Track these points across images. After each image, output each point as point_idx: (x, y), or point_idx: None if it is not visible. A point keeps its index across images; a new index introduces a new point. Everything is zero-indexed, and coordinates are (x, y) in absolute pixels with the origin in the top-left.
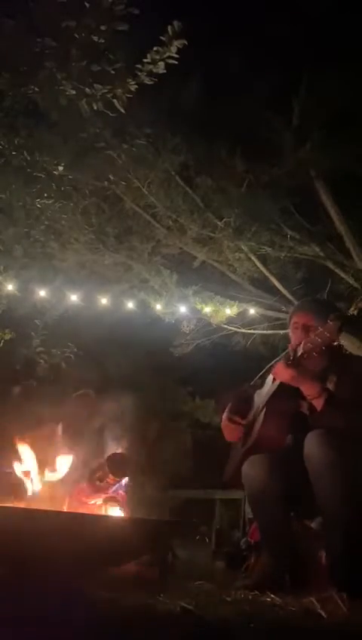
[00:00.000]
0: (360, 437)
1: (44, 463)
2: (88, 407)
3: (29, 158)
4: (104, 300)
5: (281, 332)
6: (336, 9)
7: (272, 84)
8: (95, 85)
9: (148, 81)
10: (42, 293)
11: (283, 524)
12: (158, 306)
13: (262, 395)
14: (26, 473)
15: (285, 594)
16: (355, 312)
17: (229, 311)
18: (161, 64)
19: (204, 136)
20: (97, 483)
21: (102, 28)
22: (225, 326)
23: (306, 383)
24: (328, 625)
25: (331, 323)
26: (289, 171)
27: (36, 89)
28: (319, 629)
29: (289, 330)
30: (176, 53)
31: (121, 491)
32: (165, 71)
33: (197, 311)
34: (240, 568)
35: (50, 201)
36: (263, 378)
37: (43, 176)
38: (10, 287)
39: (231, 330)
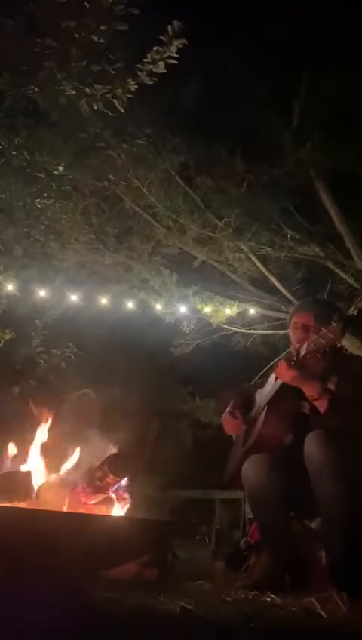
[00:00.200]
0: (360, 437)
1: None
2: (88, 407)
3: (29, 158)
4: (104, 300)
5: (281, 332)
6: (336, 9)
7: (272, 84)
8: (95, 85)
9: (148, 81)
10: (42, 293)
11: (283, 524)
12: (158, 306)
13: (263, 395)
14: (28, 473)
15: (285, 594)
16: (355, 312)
17: (229, 311)
18: (161, 64)
19: (204, 136)
20: (97, 483)
21: (102, 28)
22: (225, 326)
23: (308, 384)
24: (328, 625)
25: (334, 324)
26: (289, 171)
27: (36, 89)
28: (319, 629)
29: (289, 330)
30: (176, 53)
31: (121, 491)
32: (165, 71)
33: (197, 311)
34: (240, 568)
35: (50, 201)
36: (263, 378)
37: (43, 176)
38: (10, 287)
39: (231, 330)
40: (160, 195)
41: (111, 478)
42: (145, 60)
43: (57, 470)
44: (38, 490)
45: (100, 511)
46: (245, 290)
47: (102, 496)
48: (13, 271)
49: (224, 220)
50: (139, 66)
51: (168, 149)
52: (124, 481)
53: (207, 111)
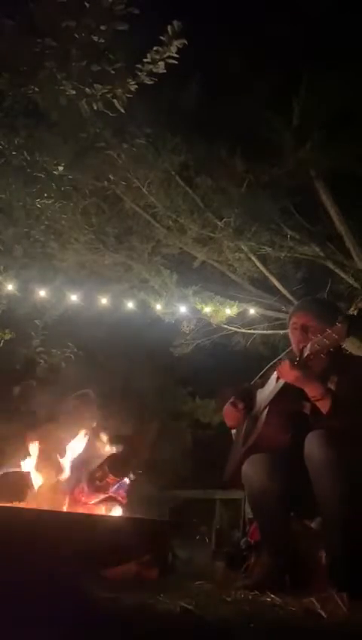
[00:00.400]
0: (361, 437)
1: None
2: (88, 407)
3: (29, 158)
4: (104, 300)
5: (281, 332)
6: (336, 9)
7: (272, 84)
8: (95, 85)
9: (148, 81)
10: (42, 293)
11: (283, 524)
12: (158, 306)
13: (264, 395)
14: (28, 473)
15: (285, 594)
16: (355, 312)
17: (229, 311)
18: (161, 64)
19: (204, 136)
20: (97, 483)
21: (102, 28)
22: (225, 326)
23: (311, 385)
24: (328, 625)
25: (339, 325)
26: (289, 171)
27: (36, 89)
28: (319, 629)
29: (288, 331)
30: (176, 53)
31: (121, 491)
32: (165, 71)
33: (197, 311)
34: (240, 568)
35: (50, 201)
36: (263, 378)
37: (43, 176)
38: (10, 287)
39: (231, 330)
40: (160, 195)
41: (111, 478)
42: (145, 60)
43: (57, 470)
44: (38, 490)
45: (100, 511)
46: (245, 290)
47: (102, 496)
48: (13, 271)
49: (224, 220)
50: (139, 66)
51: (168, 148)
52: (124, 481)
53: (207, 111)
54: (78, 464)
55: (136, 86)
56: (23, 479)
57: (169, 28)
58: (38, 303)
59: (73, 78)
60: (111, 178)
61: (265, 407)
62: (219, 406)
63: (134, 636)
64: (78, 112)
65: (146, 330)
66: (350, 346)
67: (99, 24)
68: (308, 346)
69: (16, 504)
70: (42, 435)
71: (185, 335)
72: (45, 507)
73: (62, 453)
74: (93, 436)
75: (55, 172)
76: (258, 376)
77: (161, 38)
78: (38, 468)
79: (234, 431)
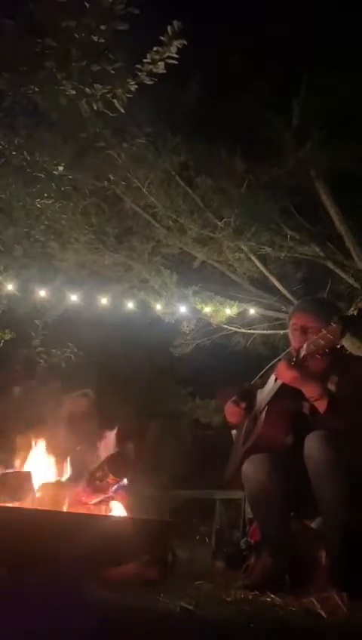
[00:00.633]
0: (360, 437)
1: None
2: (88, 407)
3: (29, 158)
4: (104, 300)
5: (281, 332)
6: (336, 9)
7: (272, 84)
8: (95, 85)
9: (148, 81)
10: (42, 293)
11: (283, 524)
12: (158, 306)
13: (264, 395)
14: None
15: (285, 594)
16: (355, 312)
17: (229, 311)
18: (161, 64)
19: (204, 136)
20: (97, 483)
21: (102, 28)
22: (225, 326)
23: (308, 385)
24: (328, 625)
25: (334, 325)
26: (289, 171)
27: (36, 89)
28: (319, 629)
29: (288, 331)
30: (176, 53)
31: (121, 491)
32: (165, 71)
33: (197, 311)
34: (240, 568)
35: (50, 201)
36: (263, 378)
37: (43, 176)
38: (10, 287)
39: (231, 330)
40: (160, 195)
41: (111, 478)
42: (145, 60)
43: (57, 470)
44: (38, 490)
45: (100, 511)
46: (245, 290)
47: (102, 496)
48: (13, 271)
49: (224, 220)
50: (139, 66)
51: (168, 148)
52: (124, 481)
53: (207, 111)
54: (78, 464)
55: (136, 86)
56: (23, 479)
57: (169, 28)
58: (38, 303)
59: (73, 78)
60: (111, 178)
61: (264, 408)
62: (219, 406)
63: (134, 636)
64: (78, 112)
65: (146, 330)
66: (350, 346)
67: (99, 24)
68: (304, 346)
69: (16, 504)
70: (42, 435)
71: (185, 335)
72: (45, 507)
73: (62, 454)
74: (93, 436)
75: (55, 172)
76: (258, 377)
77: (161, 38)
78: (38, 468)
79: (234, 431)
